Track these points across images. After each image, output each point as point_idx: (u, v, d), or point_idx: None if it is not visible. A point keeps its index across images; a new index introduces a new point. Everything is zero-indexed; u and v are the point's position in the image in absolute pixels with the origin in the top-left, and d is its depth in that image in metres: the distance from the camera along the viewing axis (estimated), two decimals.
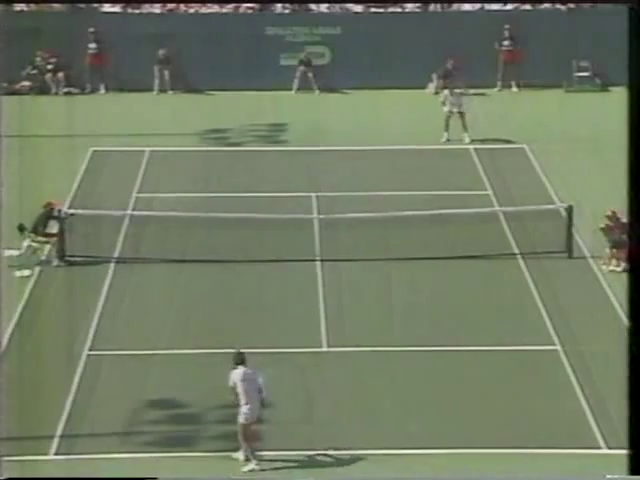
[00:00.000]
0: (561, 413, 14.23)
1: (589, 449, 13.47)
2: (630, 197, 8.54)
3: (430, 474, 12.80)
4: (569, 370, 15.21)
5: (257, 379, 12.98)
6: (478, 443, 13.51)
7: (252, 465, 12.98)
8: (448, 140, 24.24)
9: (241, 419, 12.94)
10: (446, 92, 24.73)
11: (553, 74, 27.89)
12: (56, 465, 13.15)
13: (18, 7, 28.56)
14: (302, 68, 28.45)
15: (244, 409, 12.90)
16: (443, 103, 24.53)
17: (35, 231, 18.59)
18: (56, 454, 13.37)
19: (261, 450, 13.11)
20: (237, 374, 12.95)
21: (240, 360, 13.03)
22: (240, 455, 13.07)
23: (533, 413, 14.19)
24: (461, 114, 24.27)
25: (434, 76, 27.93)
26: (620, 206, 18.39)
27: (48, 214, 18.62)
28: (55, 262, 18.46)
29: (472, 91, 27.36)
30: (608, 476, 11.45)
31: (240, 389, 12.87)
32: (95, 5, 29.49)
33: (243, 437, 12.98)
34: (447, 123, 24.29)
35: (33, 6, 29.09)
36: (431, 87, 28.14)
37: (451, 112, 24.30)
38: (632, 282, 8.63)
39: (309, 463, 13.17)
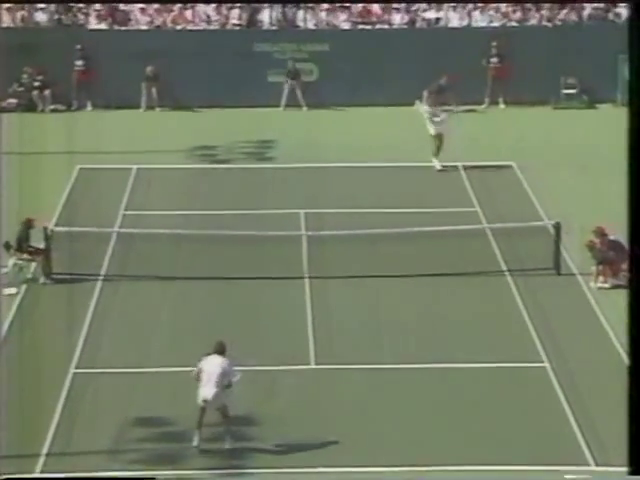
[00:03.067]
0: (548, 429, 14.19)
1: (577, 466, 13.43)
2: (629, 209, 8.51)
3: None
4: (557, 386, 15.19)
5: (226, 371, 13.41)
6: (466, 460, 13.45)
7: (194, 442, 13.48)
8: (443, 168, 23.40)
9: (199, 400, 13.48)
10: (426, 109, 23.94)
11: (541, 91, 27.98)
12: None
13: (5, 23, 28.53)
14: (290, 81, 28.47)
15: (198, 392, 13.44)
16: (427, 119, 23.72)
17: (20, 249, 18.51)
18: (42, 472, 13.26)
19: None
20: (205, 361, 13.56)
21: (220, 350, 13.56)
22: (194, 441, 13.52)
23: (521, 430, 14.15)
24: (439, 137, 23.38)
25: (425, 93, 27.94)
26: (607, 222, 18.44)
27: (27, 230, 18.53)
28: (42, 279, 18.38)
29: (461, 108, 27.44)
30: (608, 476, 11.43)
31: (200, 374, 13.46)
32: (82, 22, 29.49)
33: (198, 415, 13.48)
34: (437, 146, 23.41)
35: (20, 22, 29.08)
36: (419, 104, 28.18)
37: (436, 133, 23.45)
38: (631, 296, 8.60)
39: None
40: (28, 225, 18.56)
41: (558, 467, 13.34)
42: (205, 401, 13.49)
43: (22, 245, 18.45)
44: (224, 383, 13.45)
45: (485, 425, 14.30)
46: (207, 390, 13.46)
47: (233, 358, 13.80)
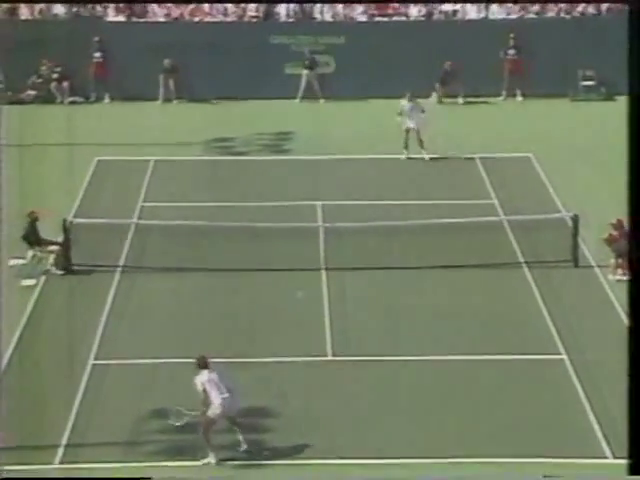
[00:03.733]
0: (566, 422, 14.17)
1: (595, 459, 13.42)
2: (630, 205, 8.49)
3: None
4: (574, 379, 15.17)
5: (222, 380, 13.36)
6: (482, 452, 13.45)
7: (210, 459, 13.29)
8: (409, 158, 23.62)
9: (209, 413, 13.26)
10: (403, 102, 23.74)
11: (558, 83, 27.88)
12: (61, 473, 13.11)
13: (23, 16, 28.63)
14: (306, 72, 28.47)
15: (214, 404, 13.24)
16: (399, 114, 23.62)
17: (38, 241, 18.57)
18: (61, 463, 13.34)
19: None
20: (202, 376, 13.39)
21: (204, 364, 13.47)
22: (211, 458, 13.30)
23: (538, 422, 14.14)
24: (417, 131, 23.35)
25: (437, 85, 27.92)
26: (626, 215, 18.35)
27: (33, 223, 18.55)
28: (60, 271, 18.46)
29: (477, 100, 27.42)
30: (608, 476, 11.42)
31: (208, 388, 13.29)
32: (100, 14, 29.56)
33: (206, 431, 13.29)
34: (406, 140, 23.47)
35: (38, 15, 29.16)
36: (434, 96, 28.15)
37: (408, 128, 23.42)
38: (632, 288, 8.59)
39: (309, 471, 13.14)
40: (33, 218, 18.57)
41: (575, 460, 13.33)
42: (223, 410, 13.24)
43: (30, 237, 18.48)
44: (228, 390, 13.33)
45: (503, 417, 14.30)
46: (223, 400, 13.22)
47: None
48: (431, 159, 23.61)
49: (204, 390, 13.32)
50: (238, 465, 13.36)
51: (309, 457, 13.36)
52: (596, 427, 14.04)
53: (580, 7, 29.46)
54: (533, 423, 14.16)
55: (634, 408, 8.30)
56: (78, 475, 13.02)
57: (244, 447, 13.49)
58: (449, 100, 27.99)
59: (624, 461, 13.07)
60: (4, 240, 18.78)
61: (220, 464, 13.29)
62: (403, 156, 23.67)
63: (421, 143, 23.61)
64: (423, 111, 23.77)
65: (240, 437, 13.54)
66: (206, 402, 13.29)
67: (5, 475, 12.62)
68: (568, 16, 29.37)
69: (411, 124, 23.60)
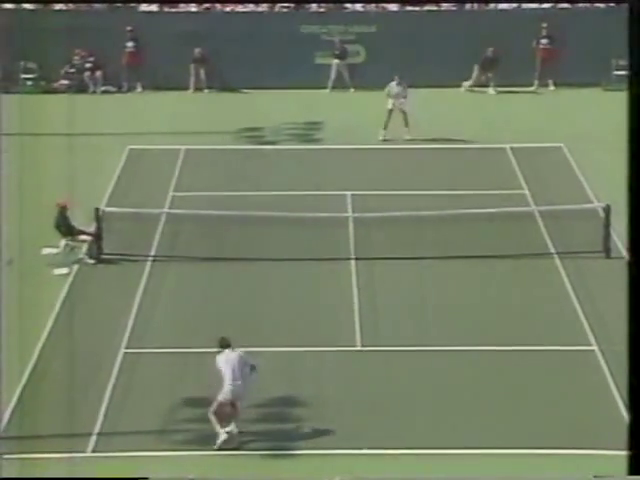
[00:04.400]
0: (597, 413, 14.13)
1: (629, 451, 13.35)
2: (630, 196, 8.43)
3: (453, 474, 12.78)
4: (606, 370, 15.11)
5: (244, 362, 13.44)
6: (514, 443, 13.44)
7: (223, 436, 13.27)
8: (385, 139, 23.96)
9: (220, 396, 13.36)
10: (392, 84, 24.20)
11: (591, 72, 27.68)
12: (93, 462, 13.23)
13: (57, 6, 28.79)
14: (336, 61, 28.43)
15: (225, 388, 13.33)
16: (388, 95, 24.15)
17: (70, 230, 18.69)
18: (94, 451, 13.46)
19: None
20: (221, 356, 13.50)
21: (225, 344, 13.57)
22: (221, 433, 13.28)
23: (570, 413, 14.11)
24: (403, 111, 23.87)
25: (475, 67, 27.79)
26: None
27: (63, 214, 18.65)
28: (92, 260, 18.60)
29: (510, 89, 27.29)
30: (608, 476, 11.38)
31: (223, 369, 13.40)
32: (132, 4, 29.68)
33: (214, 414, 13.33)
34: (387, 120, 23.97)
35: (71, 5, 29.31)
36: (465, 85, 28.05)
37: (393, 108, 23.95)
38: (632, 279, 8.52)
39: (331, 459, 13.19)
40: (62, 210, 18.68)
41: (607, 451, 13.29)
42: (233, 394, 13.32)
43: (61, 227, 18.60)
44: (250, 370, 13.44)
45: (534, 409, 14.27)
46: (232, 391, 13.31)
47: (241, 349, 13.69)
48: (409, 139, 23.93)
49: (219, 371, 13.44)
50: (246, 454, 13.40)
51: (332, 447, 13.36)
52: (627, 418, 13.97)
53: None
54: (564, 415, 14.11)
55: (634, 406, 8.26)
56: (114, 469, 13.11)
57: (222, 438, 13.20)
58: (483, 89, 27.88)
59: None
60: (35, 230, 18.95)
61: (221, 450, 13.21)
62: (380, 137, 24.11)
63: (406, 124, 24.00)
64: (405, 96, 24.14)
65: (232, 426, 13.33)
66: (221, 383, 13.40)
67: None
68: (602, 5, 29.14)
69: (391, 105, 24.03)
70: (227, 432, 13.29)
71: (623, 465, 12.67)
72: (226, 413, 13.43)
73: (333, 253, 18.58)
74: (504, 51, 27.37)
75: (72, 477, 12.83)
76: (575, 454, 13.26)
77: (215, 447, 13.29)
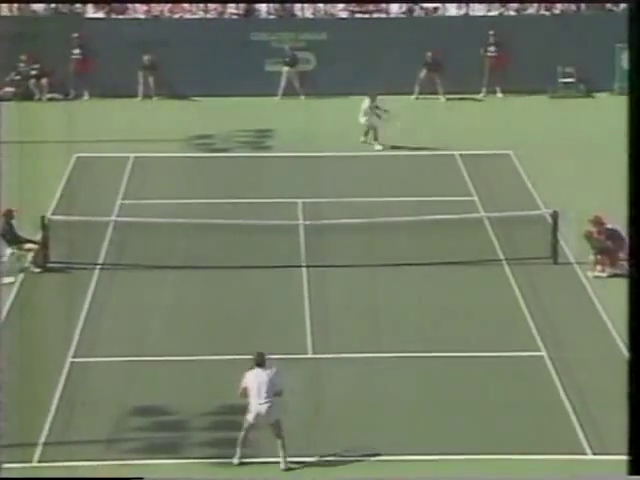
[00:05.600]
0: (545, 418, 14.21)
1: (574, 455, 13.45)
2: (629, 200, 8.49)
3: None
4: (554, 375, 15.20)
5: (273, 381, 12.96)
6: (464, 449, 13.47)
7: (234, 458, 13.05)
8: (364, 141, 24.29)
9: (247, 416, 12.97)
10: (366, 102, 24.34)
11: (538, 80, 27.94)
12: (40, 472, 13.05)
13: (2, 11, 28.44)
14: (287, 69, 28.43)
15: (250, 410, 12.94)
16: (364, 115, 24.31)
17: (16, 239, 18.44)
18: (40, 462, 13.27)
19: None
20: (250, 374, 13.03)
21: (260, 361, 13.07)
22: (235, 458, 13.05)
23: (518, 418, 14.17)
24: (374, 128, 24.17)
25: (419, 75, 27.93)
26: (605, 211, 18.43)
27: (9, 221, 18.42)
28: (38, 269, 18.36)
29: (456, 97, 27.46)
30: (608, 475, 11.45)
31: (249, 390, 12.93)
32: (79, 10, 29.42)
33: (243, 430, 12.98)
34: (366, 132, 24.37)
35: (16, 11, 28.99)
36: (416, 92, 28.19)
37: (367, 125, 24.22)
38: (632, 286, 8.58)
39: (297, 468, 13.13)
40: (8, 216, 18.46)
41: (555, 456, 13.36)
42: (258, 416, 12.89)
43: (6, 236, 18.35)
44: (274, 394, 12.94)
45: (482, 414, 14.31)
46: (259, 405, 12.86)
47: (276, 367, 13.32)
48: (383, 149, 24.11)
49: (245, 389, 12.93)
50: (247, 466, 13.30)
51: (289, 455, 13.30)
52: (575, 423, 14.06)
53: (560, 4, 29.53)
54: (512, 420, 14.17)
55: (634, 407, 8.31)
56: (57, 473, 12.94)
57: (282, 465, 12.85)
58: (430, 97, 28.02)
59: (604, 457, 13.17)
60: None
61: (241, 464, 12.97)
62: (361, 139, 24.40)
63: (376, 138, 24.25)
64: (385, 111, 24.24)
65: (282, 449, 12.93)
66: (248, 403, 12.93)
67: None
68: (548, 13, 29.44)
69: (365, 121, 24.27)
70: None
71: (579, 468, 12.77)
72: (254, 436, 12.97)
73: (284, 260, 18.53)
74: (449, 59, 27.51)
75: (72, 477, 12.69)
76: (536, 459, 13.31)
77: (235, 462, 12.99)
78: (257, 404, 12.90)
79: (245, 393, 13.01)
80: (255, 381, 12.93)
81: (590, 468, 13.06)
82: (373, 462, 13.22)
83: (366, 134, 24.41)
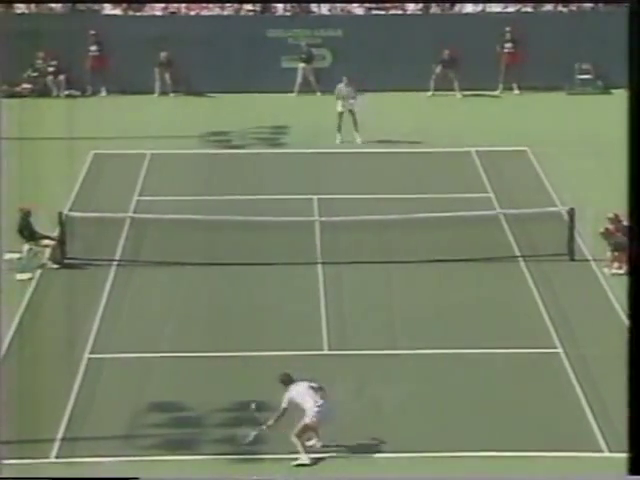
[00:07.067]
0: (562, 415, 14.18)
1: (590, 452, 13.43)
2: (630, 200, 8.50)
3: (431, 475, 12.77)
4: (570, 372, 15.17)
5: (314, 389, 13.38)
6: (478, 446, 13.46)
7: (302, 460, 13.18)
8: (342, 142, 24.15)
9: (307, 421, 13.24)
10: (340, 86, 24.44)
11: (555, 76, 27.86)
12: (57, 468, 13.11)
13: (19, 9, 28.56)
14: (303, 65, 28.43)
15: (308, 413, 13.23)
16: (337, 97, 24.38)
17: (33, 235, 18.54)
18: (57, 457, 13.33)
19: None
20: (290, 393, 13.36)
21: (289, 380, 13.46)
22: (303, 458, 13.19)
23: (534, 415, 14.15)
24: (352, 112, 24.07)
25: (435, 71, 27.87)
26: (622, 208, 18.37)
27: (26, 219, 18.51)
28: (55, 265, 18.44)
29: (472, 93, 27.43)
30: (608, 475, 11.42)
31: (300, 400, 13.29)
32: (96, 7, 29.50)
33: (299, 435, 13.22)
34: (340, 123, 24.20)
35: (34, 8, 29.10)
36: (432, 88, 28.15)
37: (342, 110, 24.15)
38: (632, 284, 8.59)
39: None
40: (26, 214, 18.54)
41: (571, 453, 13.34)
42: (318, 420, 13.25)
43: (24, 232, 18.44)
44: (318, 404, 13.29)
45: (498, 411, 14.30)
46: (322, 407, 13.24)
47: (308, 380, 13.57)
48: (364, 142, 24.06)
49: (293, 403, 13.24)
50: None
51: (297, 451, 13.32)
52: (592, 420, 14.04)
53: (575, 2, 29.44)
54: (528, 416, 14.15)
55: (634, 405, 8.30)
56: (74, 469, 13.00)
57: (304, 461, 13.14)
58: (446, 93, 27.97)
59: (620, 455, 13.13)
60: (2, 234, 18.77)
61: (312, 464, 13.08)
62: (337, 140, 24.25)
63: (355, 126, 24.15)
64: (354, 97, 24.31)
65: (314, 440, 13.32)
66: (301, 412, 13.23)
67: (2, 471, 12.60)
68: (565, 9, 29.34)
69: (341, 108, 24.21)
70: (310, 446, 13.27)
71: (595, 465, 12.75)
72: (309, 436, 13.33)
73: (300, 257, 18.54)
74: (465, 55, 27.47)
75: (72, 477, 12.72)
76: (548, 456, 13.30)
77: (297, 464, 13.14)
78: (317, 408, 13.20)
79: (283, 413, 13.27)
80: (299, 393, 13.28)
81: (607, 466, 13.03)
82: (388, 459, 13.22)
83: (340, 129, 24.13)
